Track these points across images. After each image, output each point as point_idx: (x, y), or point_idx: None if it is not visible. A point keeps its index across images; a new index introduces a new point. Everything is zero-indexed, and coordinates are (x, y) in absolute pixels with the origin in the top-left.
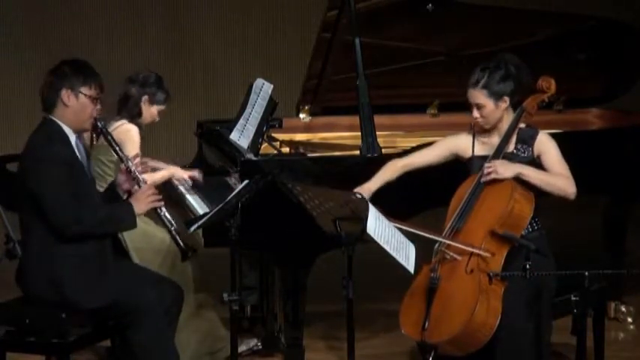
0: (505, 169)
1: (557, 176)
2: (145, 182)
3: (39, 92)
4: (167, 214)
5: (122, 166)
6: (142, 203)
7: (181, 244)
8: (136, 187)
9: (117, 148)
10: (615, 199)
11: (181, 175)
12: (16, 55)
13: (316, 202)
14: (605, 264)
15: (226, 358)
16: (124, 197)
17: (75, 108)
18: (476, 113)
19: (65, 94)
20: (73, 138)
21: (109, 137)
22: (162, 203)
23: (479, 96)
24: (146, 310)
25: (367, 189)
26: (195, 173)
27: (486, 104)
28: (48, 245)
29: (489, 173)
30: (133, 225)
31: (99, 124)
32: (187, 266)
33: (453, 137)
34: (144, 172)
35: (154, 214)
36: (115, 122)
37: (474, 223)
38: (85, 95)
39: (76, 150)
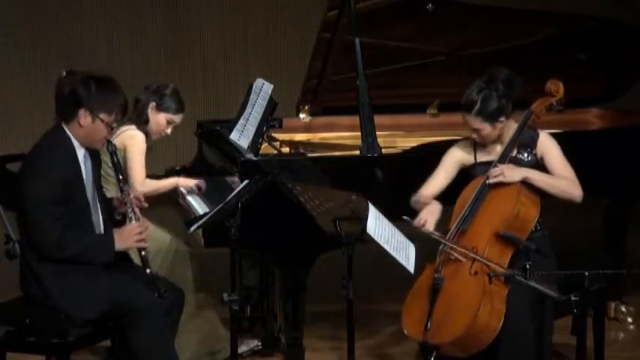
0: (512, 173)
1: (562, 179)
2: (138, 218)
3: (55, 89)
4: (148, 256)
5: (119, 195)
6: (126, 240)
7: (157, 288)
8: (129, 210)
9: (120, 177)
10: (615, 199)
11: (186, 183)
12: (16, 55)
13: (316, 202)
14: (605, 264)
15: (226, 359)
16: (119, 218)
17: (88, 130)
18: (474, 135)
19: (83, 114)
20: (81, 152)
21: (116, 160)
22: (147, 245)
23: (474, 122)
24: (145, 311)
25: (437, 211)
26: (201, 182)
27: (483, 128)
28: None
29: (496, 176)
30: (109, 260)
31: (109, 146)
32: (187, 267)
33: (452, 152)
34: (139, 206)
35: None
36: (121, 127)
37: (480, 225)
38: (103, 121)
39: (82, 165)
